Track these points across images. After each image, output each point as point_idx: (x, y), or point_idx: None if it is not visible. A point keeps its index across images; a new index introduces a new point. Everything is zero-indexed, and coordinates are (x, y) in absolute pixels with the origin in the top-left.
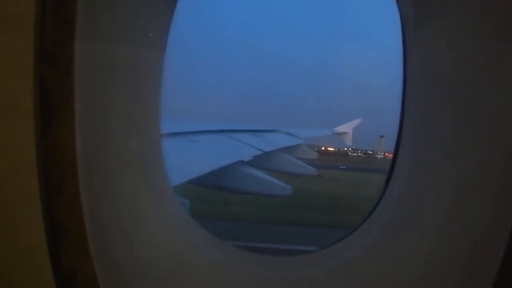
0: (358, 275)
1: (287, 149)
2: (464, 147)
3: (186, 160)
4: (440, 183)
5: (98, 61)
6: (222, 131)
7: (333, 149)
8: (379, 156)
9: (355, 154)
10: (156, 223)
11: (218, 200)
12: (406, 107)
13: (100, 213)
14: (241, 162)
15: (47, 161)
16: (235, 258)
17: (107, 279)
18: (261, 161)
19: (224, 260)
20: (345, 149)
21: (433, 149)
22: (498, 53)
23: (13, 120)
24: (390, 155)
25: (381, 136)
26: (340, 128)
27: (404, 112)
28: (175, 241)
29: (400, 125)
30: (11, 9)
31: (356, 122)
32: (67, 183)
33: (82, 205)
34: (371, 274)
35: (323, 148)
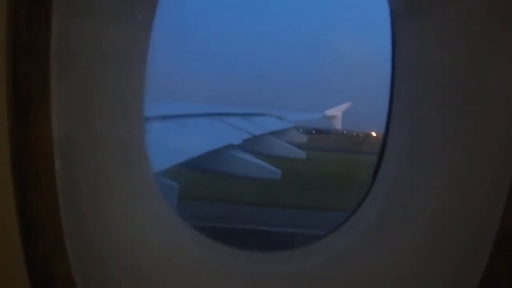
0: (344, 272)
1: (277, 133)
2: (455, 145)
3: (176, 144)
4: (429, 182)
5: (79, 42)
6: (212, 114)
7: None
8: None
9: None
10: (138, 216)
11: (207, 183)
12: (394, 102)
13: (78, 206)
14: (231, 146)
15: (22, 154)
16: (217, 253)
17: (84, 278)
18: (251, 144)
19: (205, 255)
20: None
21: (422, 147)
22: (490, 47)
23: None
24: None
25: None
26: (330, 112)
27: (392, 108)
28: (157, 236)
29: (387, 124)
30: None
31: (345, 105)
32: (43, 176)
33: (59, 198)
34: (355, 272)
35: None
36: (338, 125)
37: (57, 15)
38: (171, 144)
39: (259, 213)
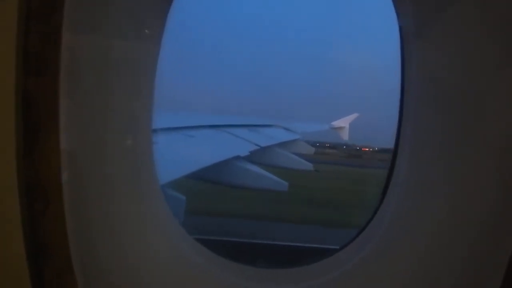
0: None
1: (284, 144)
2: (466, 161)
3: (183, 155)
4: (439, 197)
5: (90, 56)
6: (219, 126)
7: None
8: None
9: None
10: (145, 231)
11: (214, 195)
12: (404, 119)
13: (85, 220)
14: (237, 157)
15: (30, 180)
16: (223, 268)
17: None
18: (258, 156)
19: (212, 270)
20: None
21: (432, 163)
22: (494, 58)
23: None
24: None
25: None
26: (337, 123)
27: (401, 125)
28: (166, 255)
29: (396, 140)
30: None
31: (352, 116)
32: (52, 202)
33: (66, 222)
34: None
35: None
36: (345, 136)
37: (67, 31)
38: (178, 156)
39: (265, 226)
